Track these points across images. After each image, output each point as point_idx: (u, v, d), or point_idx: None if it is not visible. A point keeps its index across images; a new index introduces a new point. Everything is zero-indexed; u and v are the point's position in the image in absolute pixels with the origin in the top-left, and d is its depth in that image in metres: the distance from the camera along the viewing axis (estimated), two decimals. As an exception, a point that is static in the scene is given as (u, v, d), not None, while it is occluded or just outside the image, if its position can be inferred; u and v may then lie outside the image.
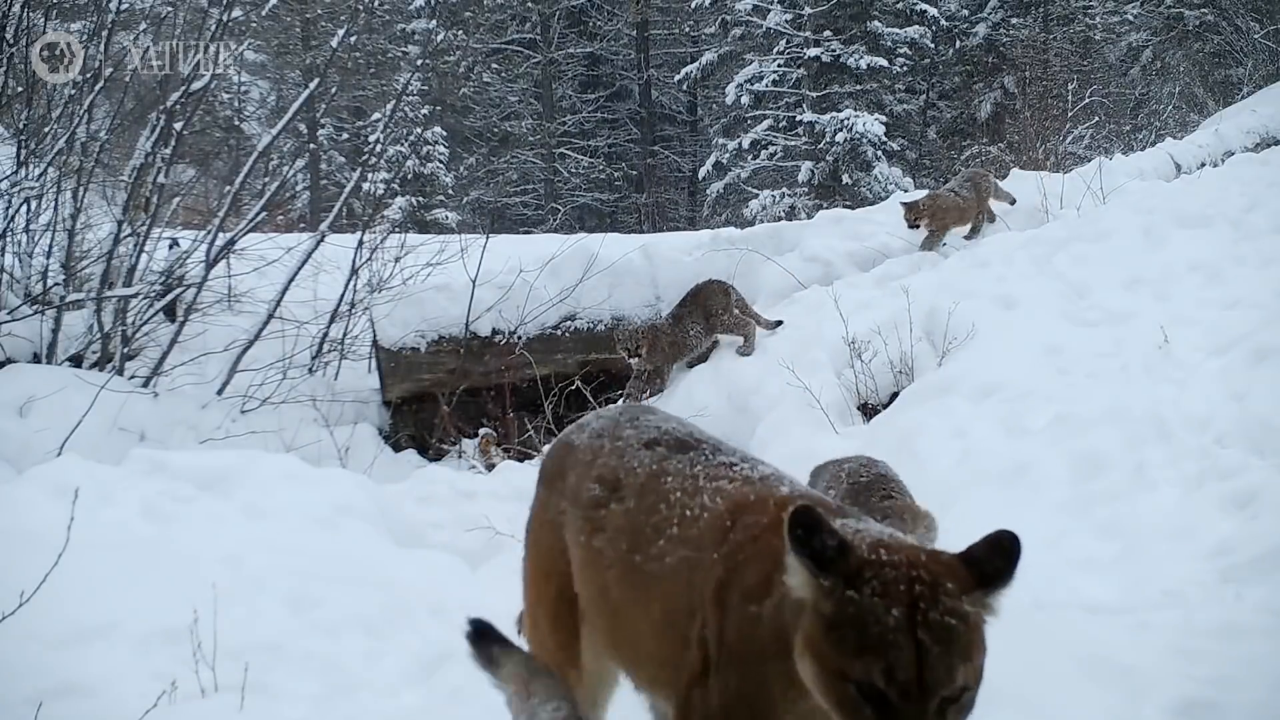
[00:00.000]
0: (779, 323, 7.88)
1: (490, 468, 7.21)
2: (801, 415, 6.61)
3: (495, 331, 8.36)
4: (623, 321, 8.53)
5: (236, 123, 11.97)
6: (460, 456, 7.84)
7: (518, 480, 6.28)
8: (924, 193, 9.53)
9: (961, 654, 1.68)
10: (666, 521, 2.25)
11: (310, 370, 8.15)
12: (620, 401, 7.83)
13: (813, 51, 21.34)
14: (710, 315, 7.88)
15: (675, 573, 2.19)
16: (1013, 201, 9.22)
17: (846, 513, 2.08)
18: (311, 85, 8.94)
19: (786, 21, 21.59)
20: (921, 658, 1.65)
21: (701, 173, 23.59)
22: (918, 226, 8.62)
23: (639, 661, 2.40)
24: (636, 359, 7.74)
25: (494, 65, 26.31)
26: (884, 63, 21.30)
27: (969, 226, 8.91)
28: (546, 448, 2.83)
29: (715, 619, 2.06)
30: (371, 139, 13.42)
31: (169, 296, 7.74)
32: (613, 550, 2.35)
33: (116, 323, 7.31)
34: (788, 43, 21.81)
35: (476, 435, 7.97)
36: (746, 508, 2.14)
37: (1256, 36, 19.39)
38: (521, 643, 3.16)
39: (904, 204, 8.76)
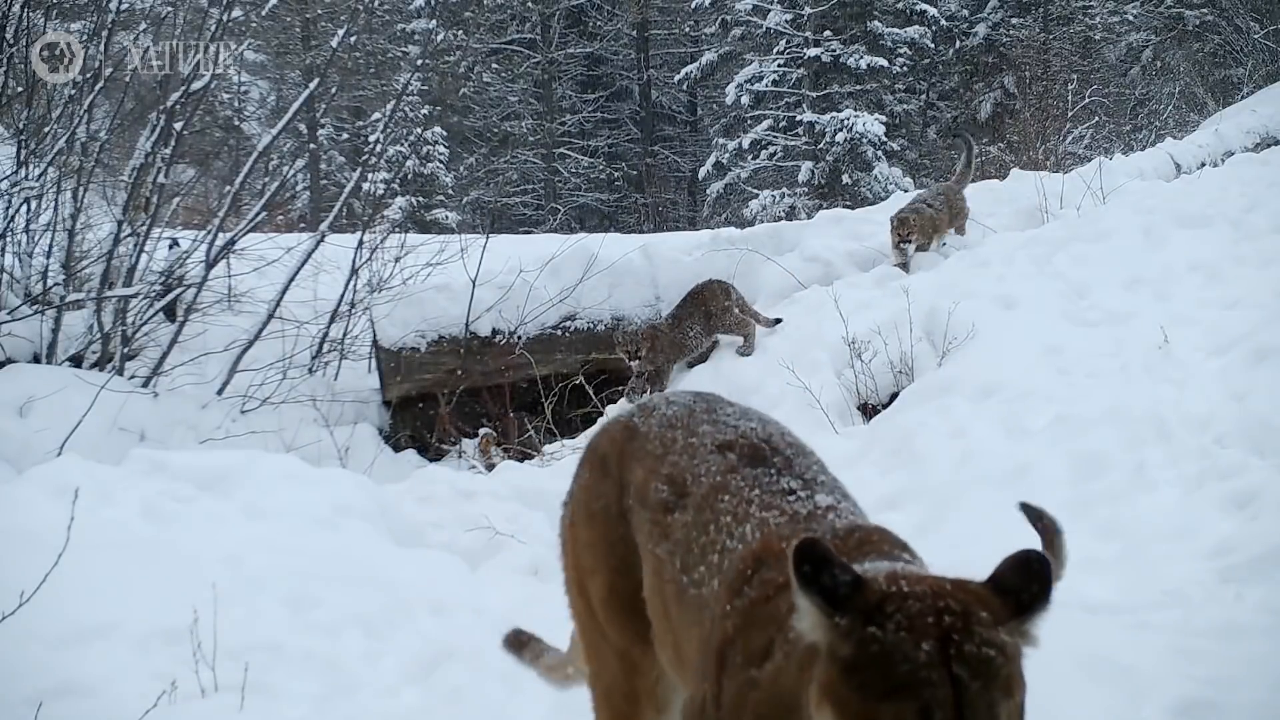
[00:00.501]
0: (778, 320, 7.88)
1: (490, 468, 7.21)
2: (801, 415, 6.61)
3: (495, 331, 8.36)
4: (623, 321, 8.52)
5: (236, 123, 11.96)
6: (460, 456, 7.84)
7: (518, 480, 6.28)
8: (909, 198, 9.20)
9: (1003, 689, 1.51)
10: (712, 546, 2.06)
11: (310, 370, 8.15)
12: (621, 402, 7.83)
13: (813, 51, 21.35)
14: (711, 315, 7.88)
15: (706, 606, 2.03)
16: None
17: (905, 547, 1.91)
18: (311, 85, 8.94)
19: (786, 21, 21.60)
20: (959, 695, 1.48)
21: (701, 173, 23.59)
22: (910, 242, 8.31)
23: (690, 686, 2.23)
24: (637, 361, 7.74)
25: (494, 65, 26.31)
26: (884, 63, 21.30)
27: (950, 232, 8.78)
28: (594, 427, 2.49)
29: (714, 676, 1.92)
30: (371, 139, 13.41)
31: (169, 296, 7.75)
32: (671, 565, 2.15)
33: (116, 323, 7.31)
34: (788, 43, 21.82)
35: (476, 435, 7.97)
36: (769, 557, 1.93)
37: (1256, 36, 19.39)
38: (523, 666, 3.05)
39: (897, 219, 8.37)
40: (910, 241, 8.35)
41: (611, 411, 7.92)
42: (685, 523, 2.14)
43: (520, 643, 3.00)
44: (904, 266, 8.38)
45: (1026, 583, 1.60)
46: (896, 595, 1.56)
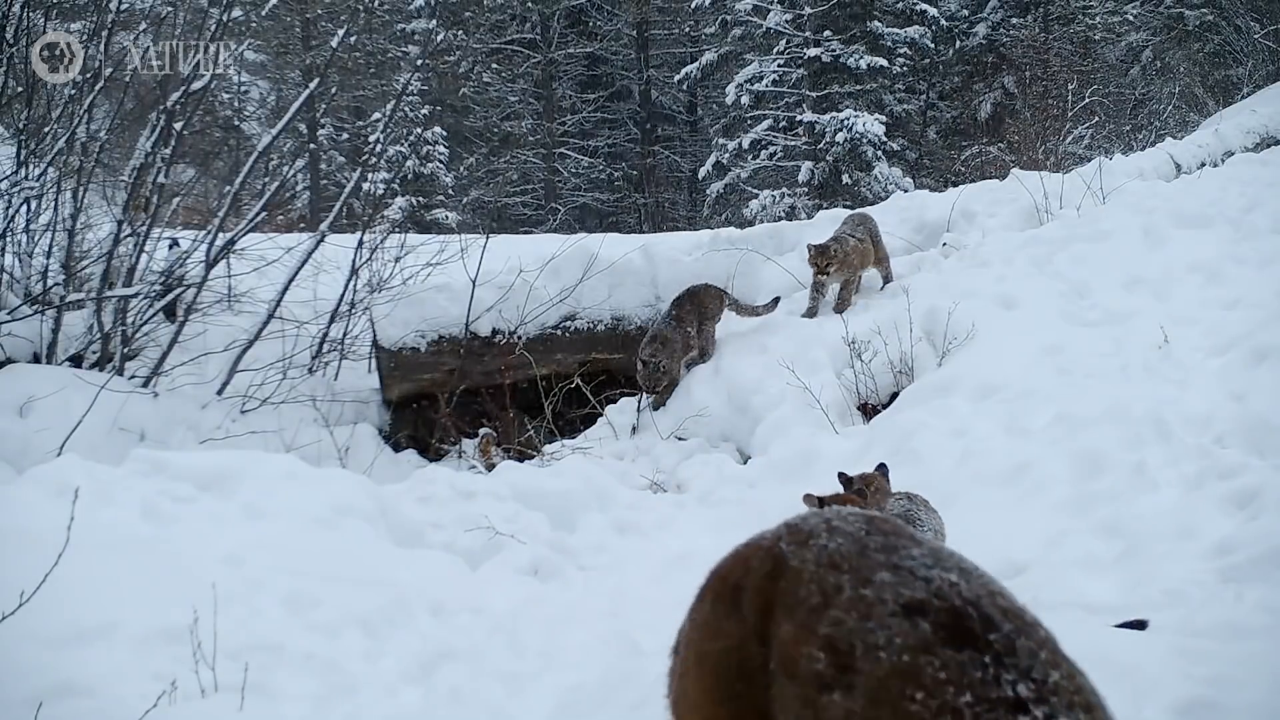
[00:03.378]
0: (776, 300, 7.95)
1: (490, 468, 7.20)
2: (802, 415, 6.62)
3: (495, 331, 8.36)
4: (623, 321, 8.53)
5: (236, 123, 11.97)
6: (460, 456, 7.83)
7: (518, 480, 6.26)
8: (836, 216, 8.73)
9: None
10: None
11: (310, 370, 8.15)
12: (640, 400, 7.77)
13: (813, 51, 21.35)
14: (705, 320, 7.93)
15: None
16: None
17: None
18: (311, 85, 8.94)
19: (786, 21, 21.60)
20: None
21: (701, 173, 23.59)
22: (827, 273, 7.69)
23: None
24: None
25: (494, 65, 26.33)
26: (884, 63, 21.30)
27: (873, 270, 8.20)
28: (723, 558, 2.01)
29: None
30: (371, 139, 13.43)
31: (169, 296, 7.75)
32: None
33: (116, 323, 7.31)
34: (788, 43, 21.82)
35: (476, 435, 7.97)
36: None
37: (1256, 36, 19.38)
38: None
39: (815, 246, 7.79)
40: (828, 274, 7.71)
41: (611, 413, 7.91)
42: (850, 711, 1.55)
43: None
44: (812, 313, 7.79)
45: None
46: None
